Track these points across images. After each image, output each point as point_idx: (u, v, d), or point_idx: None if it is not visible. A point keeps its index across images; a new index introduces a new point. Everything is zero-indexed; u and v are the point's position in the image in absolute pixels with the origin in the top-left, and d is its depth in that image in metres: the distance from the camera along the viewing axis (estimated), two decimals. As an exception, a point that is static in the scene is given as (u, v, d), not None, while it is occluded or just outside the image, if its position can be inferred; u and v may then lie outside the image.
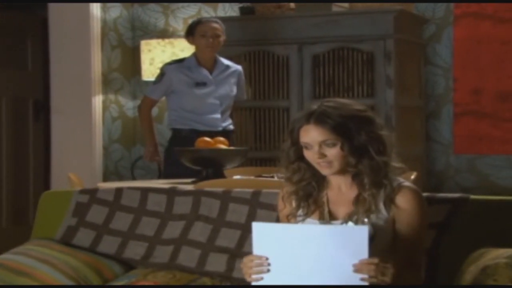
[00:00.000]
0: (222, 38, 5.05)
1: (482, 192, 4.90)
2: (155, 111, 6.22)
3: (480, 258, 2.56)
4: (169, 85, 5.05)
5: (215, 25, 5.04)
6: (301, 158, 2.56)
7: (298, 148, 2.55)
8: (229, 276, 2.97)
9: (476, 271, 2.48)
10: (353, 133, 2.48)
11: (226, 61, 5.15)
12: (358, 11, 5.39)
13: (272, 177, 3.92)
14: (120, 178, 6.10)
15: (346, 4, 5.50)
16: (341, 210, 2.56)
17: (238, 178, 3.85)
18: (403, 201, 2.50)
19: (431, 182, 5.63)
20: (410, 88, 5.49)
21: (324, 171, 2.52)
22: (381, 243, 2.49)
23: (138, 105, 5.35)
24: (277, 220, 2.81)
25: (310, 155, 2.52)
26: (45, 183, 6.38)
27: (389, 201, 2.50)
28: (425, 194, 2.62)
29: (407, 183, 2.54)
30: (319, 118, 2.48)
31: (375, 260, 2.31)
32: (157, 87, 5.11)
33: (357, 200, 2.51)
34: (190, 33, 5.07)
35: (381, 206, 2.50)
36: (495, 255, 2.52)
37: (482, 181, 5.57)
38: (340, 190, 2.58)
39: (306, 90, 5.43)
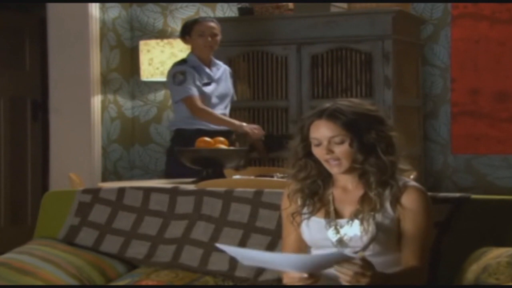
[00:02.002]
0: (219, 37, 5.03)
1: (479, 192, 4.91)
2: (153, 111, 6.23)
3: (481, 257, 2.57)
4: (194, 80, 4.88)
5: (212, 24, 5.02)
6: (309, 155, 2.58)
7: (306, 145, 2.57)
8: (231, 275, 2.97)
9: (478, 270, 2.50)
10: (362, 131, 2.50)
11: (217, 60, 5.13)
12: (357, 11, 5.40)
13: (272, 177, 3.93)
14: (119, 178, 6.10)
15: (344, 5, 5.51)
16: (347, 208, 2.57)
17: (237, 178, 3.86)
18: (409, 200, 2.51)
19: (428, 181, 5.63)
20: (408, 88, 5.51)
21: (333, 169, 2.54)
22: (387, 242, 2.51)
23: (190, 111, 4.89)
24: (280, 219, 2.82)
25: (318, 152, 2.54)
26: (44, 183, 6.39)
27: (395, 201, 2.51)
28: (427, 193, 2.64)
29: (412, 183, 2.56)
30: (331, 114, 2.51)
31: (354, 268, 2.30)
32: (187, 84, 4.87)
33: (363, 199, 2.53)
34: (187, 33, 5.02)
35: (387, 205, 2.52)
36: (497, 254, 2.54)
37: (480, 181, 5.59)
38: (346, 188, 2.59)
39: (304, 90, 5.44)
